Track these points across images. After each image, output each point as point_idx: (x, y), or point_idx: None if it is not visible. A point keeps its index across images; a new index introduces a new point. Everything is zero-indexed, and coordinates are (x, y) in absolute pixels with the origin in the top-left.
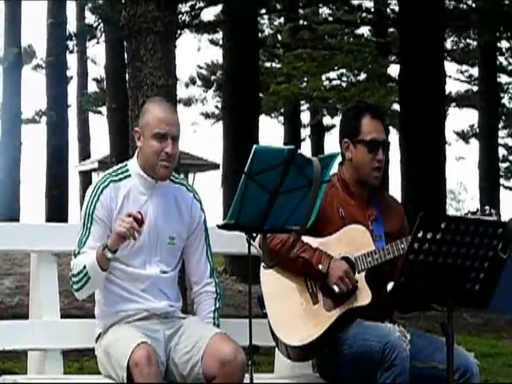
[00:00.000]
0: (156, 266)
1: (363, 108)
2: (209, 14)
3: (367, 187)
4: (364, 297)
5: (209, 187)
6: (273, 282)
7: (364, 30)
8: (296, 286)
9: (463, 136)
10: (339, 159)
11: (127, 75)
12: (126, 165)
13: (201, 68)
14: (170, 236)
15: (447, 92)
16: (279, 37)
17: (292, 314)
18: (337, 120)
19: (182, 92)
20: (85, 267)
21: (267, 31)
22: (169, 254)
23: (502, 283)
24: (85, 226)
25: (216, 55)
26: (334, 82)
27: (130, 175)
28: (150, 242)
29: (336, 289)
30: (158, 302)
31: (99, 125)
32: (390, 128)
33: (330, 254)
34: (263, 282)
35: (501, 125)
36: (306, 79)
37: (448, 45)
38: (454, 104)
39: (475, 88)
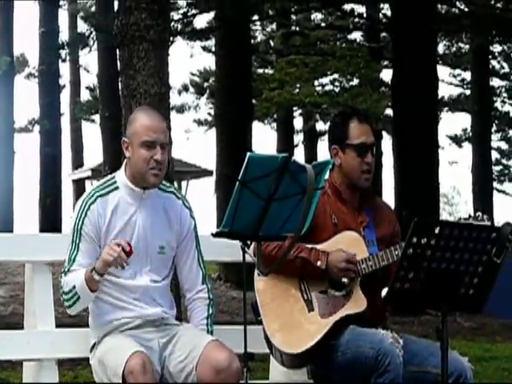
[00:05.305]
0: (146, 275)
1: (350, 113)
2: (201, 20)
3: (358, 192)
4: (359, 303)
5: (202, 194)
6: (267, 290)
7: (356, 36)
8: (291, 293)
9: (456, 140)
10: None
11: (120, 83)
12: (113, 177)
13: (193, 75)
14: (160, 245)
15: (440, 96)
16: (272, 43)
17: (287, 321)
18: None
19: (174, 99)
20: (74, 287)
21: (260, 37)
22: (159, 264)
23: (498, 287)
24: (73, 242)
25: (209, 62)
26: (327, 88)
27: (117, 187)
28: (140, 252)
29: (344, 280)
30: (151, 309)
31: (92, 133)
32: (383, 133)
33: (326, 251)
34: (257, 290)
35: (494, 128)
36: (298, 85)
37: (440, 49)
38: (446, 108)
39: (468, 92)
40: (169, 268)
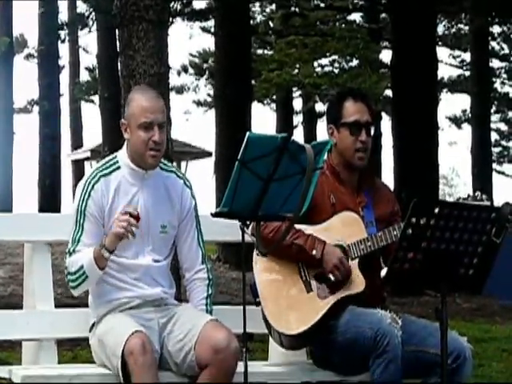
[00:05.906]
0: (148, 255)
1: (345, 92)
2: (200, 1)
3: (357, 173)
4: (358, 284)
5: (202, 175)
6: (266, 271)
7: (356, 16)
8: (289, 274)
9: (456, 121)
10: None
11: (119, 64)
12: (115, 156)
13: (193, 56)
14: (162, 225)
15: (439, 77)
16: (271, 24)
17: (286, 302)
18: None
19: (173, 80)
20: (82, 267)
21: (259, 18)
22: (161, 243)
23: (498, 268)
24: (77, 222)
25: (208, 43)
26: (326, 69)
27: (119, 167)
28: (142, 232)
29: (331, 277)
30: (150, 289)
31: (91, 114)
32: (383, 114)
33: (323, 240)
34: (256, 271)
35: (493, 109)
36: (298, 66)
37: (440, 30)
38: (446, 89)
39: (467, 73)
40: (170, 248)
